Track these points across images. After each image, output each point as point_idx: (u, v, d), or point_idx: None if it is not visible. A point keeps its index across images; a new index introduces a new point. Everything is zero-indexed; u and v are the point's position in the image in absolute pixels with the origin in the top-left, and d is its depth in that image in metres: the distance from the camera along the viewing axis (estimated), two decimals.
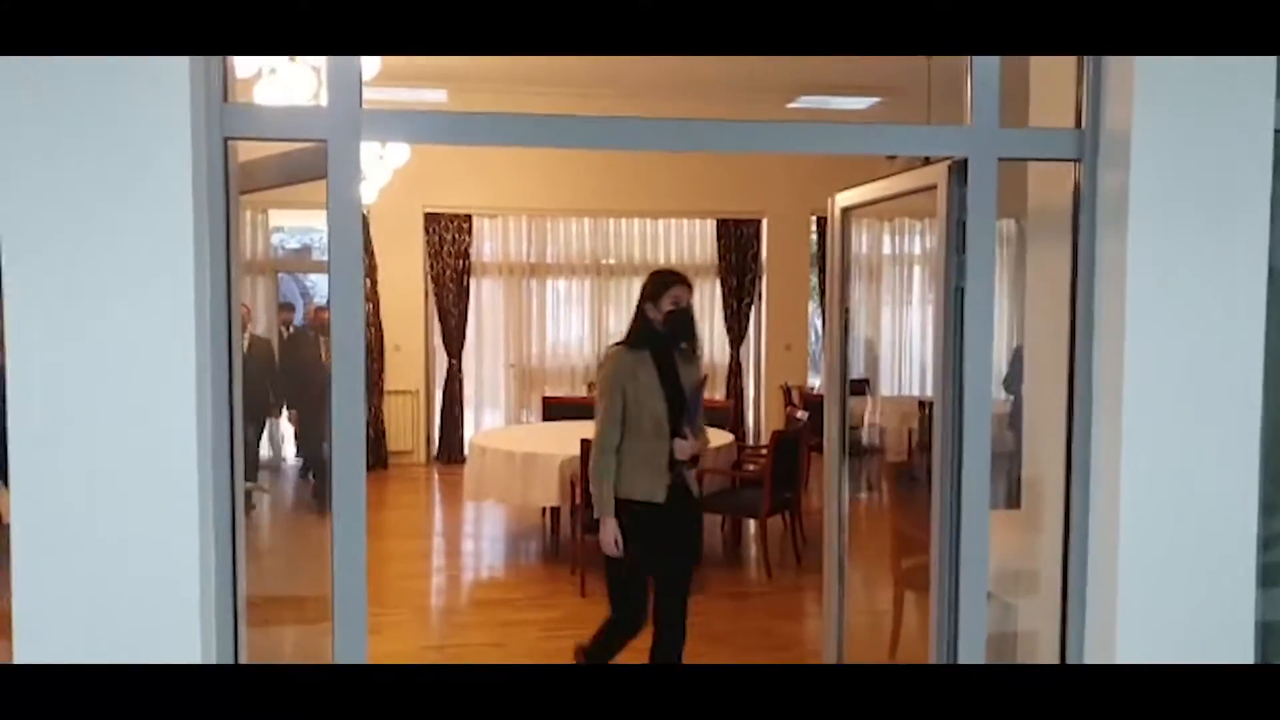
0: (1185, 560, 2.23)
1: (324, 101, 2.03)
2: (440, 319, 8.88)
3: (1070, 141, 2.31)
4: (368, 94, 2.03)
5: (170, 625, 1.84)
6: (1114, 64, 2.23)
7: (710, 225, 9.19)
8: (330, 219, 2.01)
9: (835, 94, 7.32)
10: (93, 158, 1.82)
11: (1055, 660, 2.41)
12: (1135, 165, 2.19)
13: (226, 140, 2.01)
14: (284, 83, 3.72)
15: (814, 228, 9.12)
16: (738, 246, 9.16)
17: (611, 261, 9.05)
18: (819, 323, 9.75)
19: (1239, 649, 2.27)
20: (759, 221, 9.18)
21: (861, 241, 9.34)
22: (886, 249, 9.54)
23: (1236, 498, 2.26)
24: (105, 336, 1.86)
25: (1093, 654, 2.31)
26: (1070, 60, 2.33)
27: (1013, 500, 3.04)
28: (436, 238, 8.50)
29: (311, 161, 2.06)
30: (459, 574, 6.17)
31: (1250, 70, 2.21)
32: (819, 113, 7.52)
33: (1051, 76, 2.42)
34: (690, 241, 9.25)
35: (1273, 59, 2.20)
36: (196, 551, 1.87)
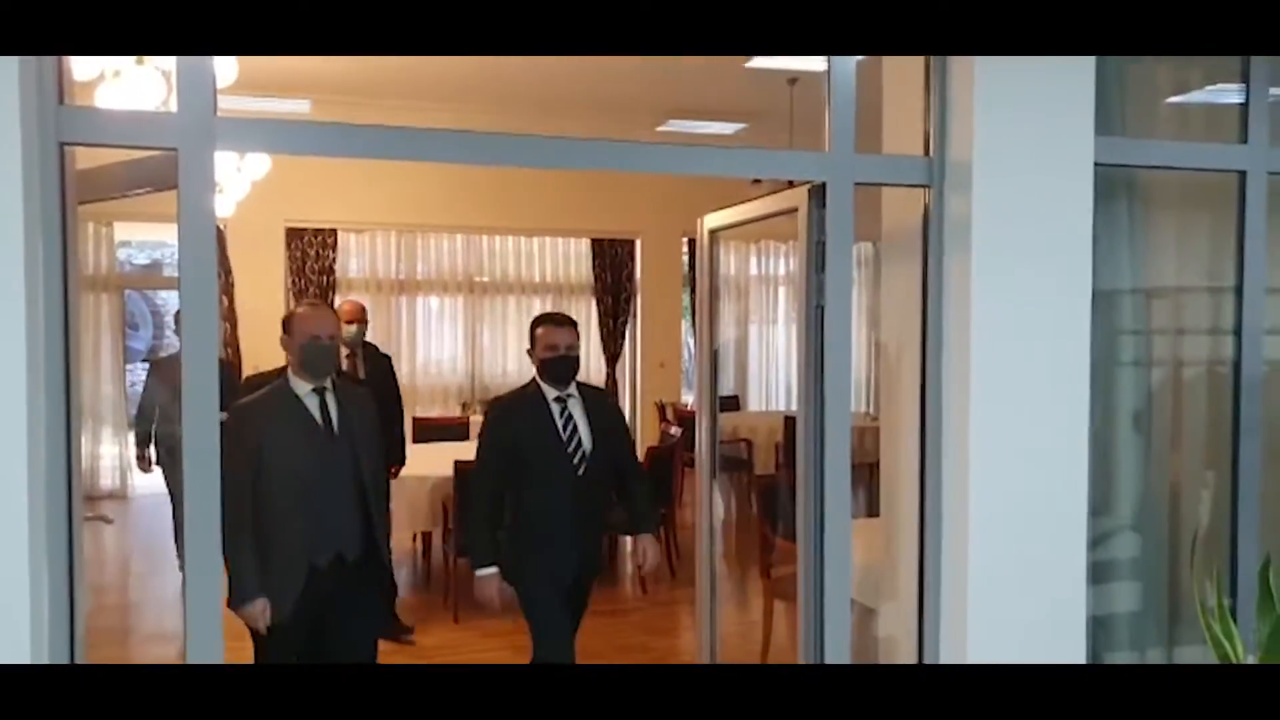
0: (1026, 560, 2.39)
1: (174, 107, 1.94)
2: None
3: (920, 168, 2.46)
4: (224, 103, 1.94)
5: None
6: (957, 96, 2.39)
7: (585, 245, 9.24)
8: (182, 232, 1.91)
9: (703, 119, 7.50)
10: None
11: (912, 660, 2.53)
12: (977, 192, 2.34)
13: (62, 145, 1.88)
14: (129, 87, 3.50)
15: (685, 249, 9.31)
16: (613, 266, 9.24)
17: (485, 279, 8.95)
18: (691, 341, 9.94)
19: (1073, 642, 2.44)
20: (633, 242, 9.29)
21: (730, 263, 9.59)
22: (754, 270, 9.84)
23: (1069, 501, 2.44)
24: None
25: (947, 651, 2.43)
26: (919, 90, 2.48)
27: (874, 509, 3.17)
28: (299, 253, 8.18)
29: (160, 170, 1.95)
30: None
31: (1074, 109, 2.41)
32: (688, 136, 7.69)
33: (902, 106, 2.57)
34: (566, 260, 9.26)
35: (1091, 103, 2.41)
36: (27, 577, 1.73)
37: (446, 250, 8.81)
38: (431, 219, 8.56)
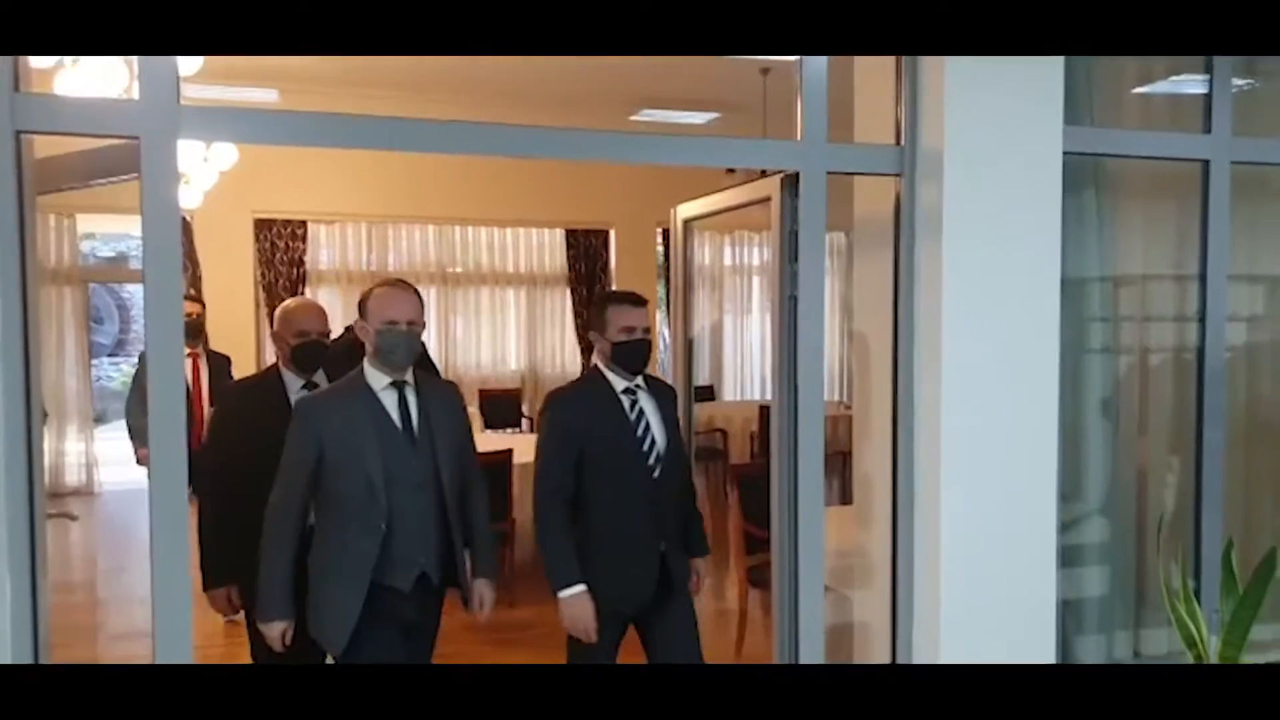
0: (997, 545, 2.42)
1: (136, 95, 1.90)
2: None
3: (892, 158, 2.46)
4: (190, 91, 1.91)
5: None
6: (928, 86, 2.40)
7: (559, 235, 9.20)
8: (145, 223, 1.87)
9: (676, 109, 7.49)
10: None
11: (886, 645, 2.55)
12: (948, 181, 2.36)
13: (19, 134, 1.83)
14: (90, 73, 3.42)
15: (660, 239, 9.30)
16: (587, 256, 9.22)
17: (459, 270, 8.89)
18: (666, 331, 9.94)
19: (1043, 626, 2.47)
20: (607, 232, 9.26)
21: (705, 253, 9.59)
22: (728, 260, 9.84)
23: (1039, 487, 2.47)
24: None
25: (921, 638, 2.45)
26: (890, 80, 2.49)
27: (848, 497, 3.19)
28: (268, 245, 8.08)
29: (122, 159, 1.91)
30: None
31: (1043, 99, 2.43)
32: (661, 126, 7.68)
33: (874, 96, 2.58)
34: (540, 251, 9.22)
35: (1060, 92, 2.43)
36: None
37: (419, 241, 8.74)
38: (403, 210, 8.48)
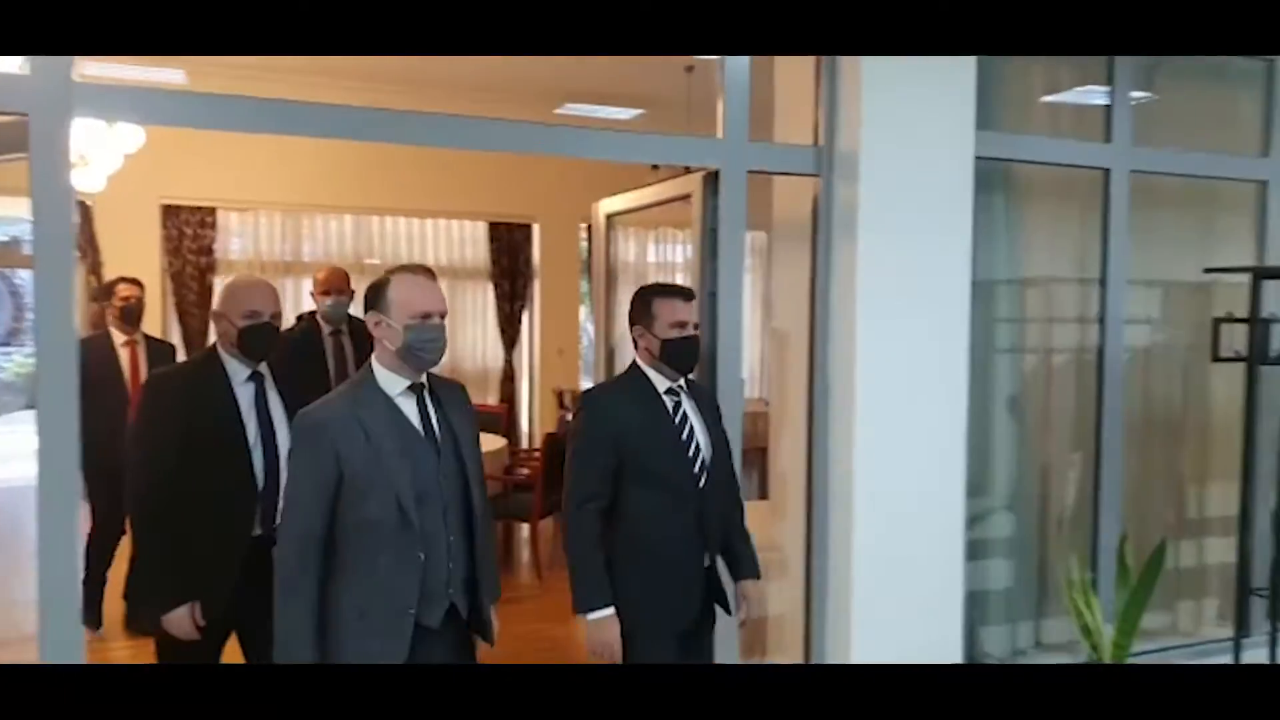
0: (908, 538, 2.48)
1: (27, 70, 1.79)
2: (180, 320, 8.12)
3: (810, 158, 2.50)
4: (90, 68, 1.81)
5: None
6: (846, 89, 2.44)
7: (482, 228, 9.08)
8: (35, 204, 1.77)
9: (600, 104, 7.46)
10: None
11: (800, 637, 2.59)
12: (864, 182, 2.40)
13: None
14: None
15: (585, 234, 9.27)
16: (510, 250, 9.12)
17: (376, 261, 8.70)
18: (591, 327, 9.93)
19: (950, 616, 2.55)
20: (530, 226, 9.19)
21: (629, 249, 9.60)
22: (652, 257, 9.88)
23: (948, 482, 2.54)
24: None
25: (833, 627, 2.50)
26: (810, 82, 2.52)
27: (766, 492, 3.24)
28: (176, 232, 7.76)
29: (9, 137, 1.80)
30: None
31: (956, 104, 2.49)
32: (585, 120, 7.64)
33: (794, 96, 2.61)
34: (461, 244, 9.07)
35: (973, 99, 2.50)
36: None
37: (335, 231, 8.51)
38: (319, 198, 8.24)
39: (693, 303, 2.31)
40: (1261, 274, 2.69)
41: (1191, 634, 3.22)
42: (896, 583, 2.46)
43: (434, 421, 2.01)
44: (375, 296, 1.99)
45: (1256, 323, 2.63)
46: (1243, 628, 2.69)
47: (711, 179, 2.43)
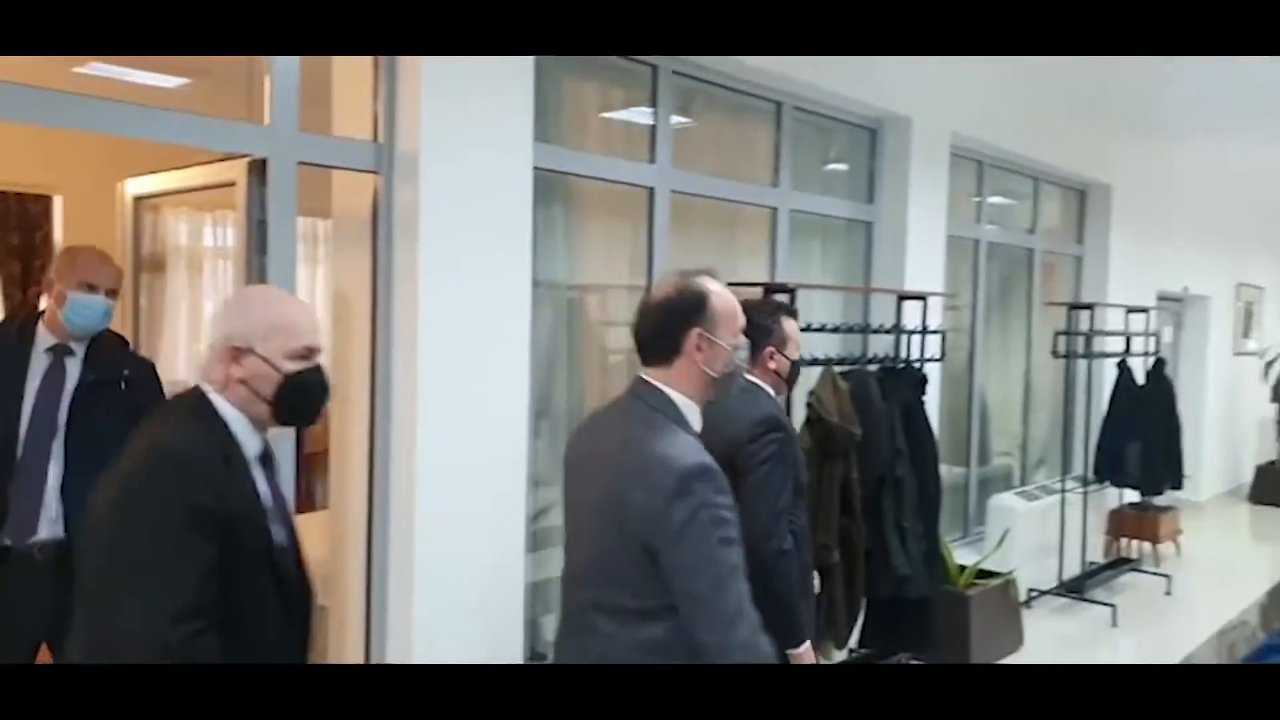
0: (471, 536, 2.50)
1: None
2: None
3: (369, 154, 2.40)
4: None
5: None
6: (405, 88, 2.38)
7: None
8: None
9: (136, 67, 6.49)
10: None
11: (360, 644, 2.50)
12: (425, 184, 2.37)
13: None
14: None
15: (132, 211, 8.07)
16: (21, 226, 7.61)
17: None
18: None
19: (512, 608, 2.63)
20: (50, 198, 7.75)
21: (180, 232, 8.55)
22: (210, 241, 8.90)
23: (511, 478, 2.61)
24: None
25: (394, 635, 2.45)
26: (369, 75, 2.42)
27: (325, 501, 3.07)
28: None
29: None
30: None
31: (516, 114, 2.56)
32: (114, 84, 6.62)
33: (352, 88, 2.49)
34: None
35: (531, 110, 2.58)
36: None
37: None
38: None
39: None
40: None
41: None
42: (460, 579, 2.48)
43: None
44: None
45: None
46: None
47: (259, 167, 2.23)
